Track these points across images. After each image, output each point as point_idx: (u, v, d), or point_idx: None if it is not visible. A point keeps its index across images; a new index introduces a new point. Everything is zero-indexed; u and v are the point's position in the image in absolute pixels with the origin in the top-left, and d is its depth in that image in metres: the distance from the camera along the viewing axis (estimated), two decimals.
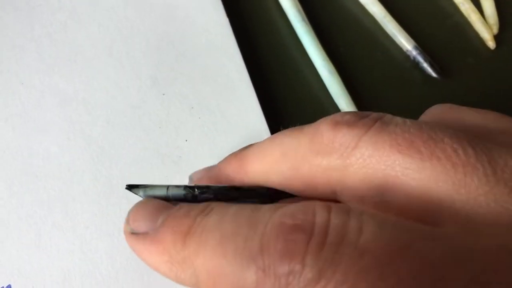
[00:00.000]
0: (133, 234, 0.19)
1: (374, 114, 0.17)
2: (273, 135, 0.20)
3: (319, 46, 0.32)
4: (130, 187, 0.20)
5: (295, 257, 0.14)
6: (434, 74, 0.32)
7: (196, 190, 0.19)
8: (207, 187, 0.19)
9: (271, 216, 0.15)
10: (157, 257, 0.18)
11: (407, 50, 0.33)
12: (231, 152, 0.21)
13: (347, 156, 0.16)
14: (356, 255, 0.13)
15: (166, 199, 0.19)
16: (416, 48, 0.33)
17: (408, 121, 0.17)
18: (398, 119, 0.17)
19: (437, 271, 0.13)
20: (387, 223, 0.14)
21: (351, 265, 0.13)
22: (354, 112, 0.18)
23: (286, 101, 0.31)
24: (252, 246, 0.15)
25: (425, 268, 0.13)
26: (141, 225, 0.19)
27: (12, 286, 0.23)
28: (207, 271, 0.16)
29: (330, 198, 0.18)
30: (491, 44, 0.34)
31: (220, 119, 0.29)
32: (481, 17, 0.34)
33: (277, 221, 0.15)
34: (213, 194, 0.19)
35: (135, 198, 0.26)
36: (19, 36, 0.31)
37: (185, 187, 0.19)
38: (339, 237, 0.14)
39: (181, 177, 0.26)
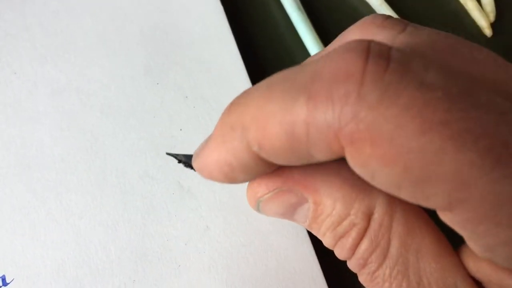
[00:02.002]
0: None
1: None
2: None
3: (315, 34, 0.32)
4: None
5: (353, 75, 0.13)
6: None
7: None
8: None
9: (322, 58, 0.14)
10: (214, 150, 0.17)
11: None
12: None
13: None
14: (424, 87, 0.12)
15: None
16: None
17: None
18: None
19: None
20: (450, 71, 0.13)
21: (418, 94, 0.12)
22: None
23: None
24: (301, 80, 0.14)
25: (497, 118, 0.12)
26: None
27: (6, 277, 0.23)
28: (255, 122, 0.15)
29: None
30: (487, 31, 0.33)
31: (214, 108, 0.28)
32: (478, 5, 0.34)
33: (328, 56, 0.14)
34: None
35: (128, 189, 0.26)
36: (11, 25, 0.31)
37: None
38: (403, 67, 0.13)
39: (175, 167, 0.26)
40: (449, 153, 0.12)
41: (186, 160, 0.19)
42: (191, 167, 0.19)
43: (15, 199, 0.25)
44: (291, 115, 0.14)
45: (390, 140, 0.12)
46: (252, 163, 0.16)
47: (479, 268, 0.16)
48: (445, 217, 0.14)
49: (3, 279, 0.23)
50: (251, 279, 0.24)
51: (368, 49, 0.13)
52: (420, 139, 0.12)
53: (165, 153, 0.27)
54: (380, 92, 0.12)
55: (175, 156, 0.20)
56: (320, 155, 0.14)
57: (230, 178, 0.17)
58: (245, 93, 0.16)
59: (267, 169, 0.17)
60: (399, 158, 0.12)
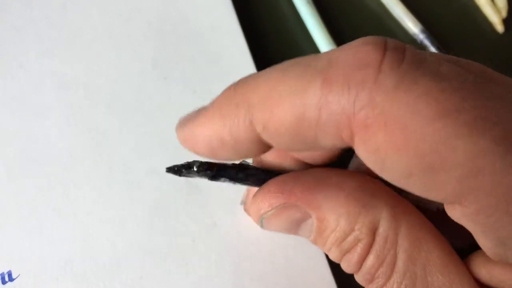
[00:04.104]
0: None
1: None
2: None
3: (324, 28, 0.32)
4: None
5: (371, 64, 0.13)
6: None
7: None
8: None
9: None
10: (208, 123, 0.16)
11: (414, 34, 0.32)
12: None
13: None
14: (440, 76, 0.13)
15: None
16: (423, 31, 0.32)
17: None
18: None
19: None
20: (460, 67, 0.14)
21: (434, 82, 0.12)
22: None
23: None
24: (317, 65, 0.14)
25: (504, 107, 0.13)
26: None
27: (12, 272, 0.23)
28: (264, 102, 0.14)
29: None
30: (499, 28, 0.33)
31: None
32: (490, 0, 0.33)
33: (344, 47, 0.14)
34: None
35: (135, 184, 0.25)
36: (18, 18, 0.30)
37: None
38: (419, 58, 0.13)
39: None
40: (463, 139, 0.12)
41: (188, 165, 0.19)
42: (194, 167, 0.19)
43: (21, 194, 0.25)
44: (303, 98, 0.13)
45: (404, 126, 0.12)
46: (247, 144, 0.16)
47: (492, 275, 0.16)
48: (455, 212, 0.14)
49: (9, 275, 0.23)
50: (259, 277, 0.24)
51: (385, 43, 0.13)
52: (435, 124, 0.12)
53: (172, 150, 0.27)
54: (397, 79, 0.12)
55: (174, 171, 0.19)
56: (326, 141, 0.14)
57: (214, 154, 0.17)
58: (254, 74, 0.16)
59: (259, 152, 0.16)
60: (412, 143, 0.12)
